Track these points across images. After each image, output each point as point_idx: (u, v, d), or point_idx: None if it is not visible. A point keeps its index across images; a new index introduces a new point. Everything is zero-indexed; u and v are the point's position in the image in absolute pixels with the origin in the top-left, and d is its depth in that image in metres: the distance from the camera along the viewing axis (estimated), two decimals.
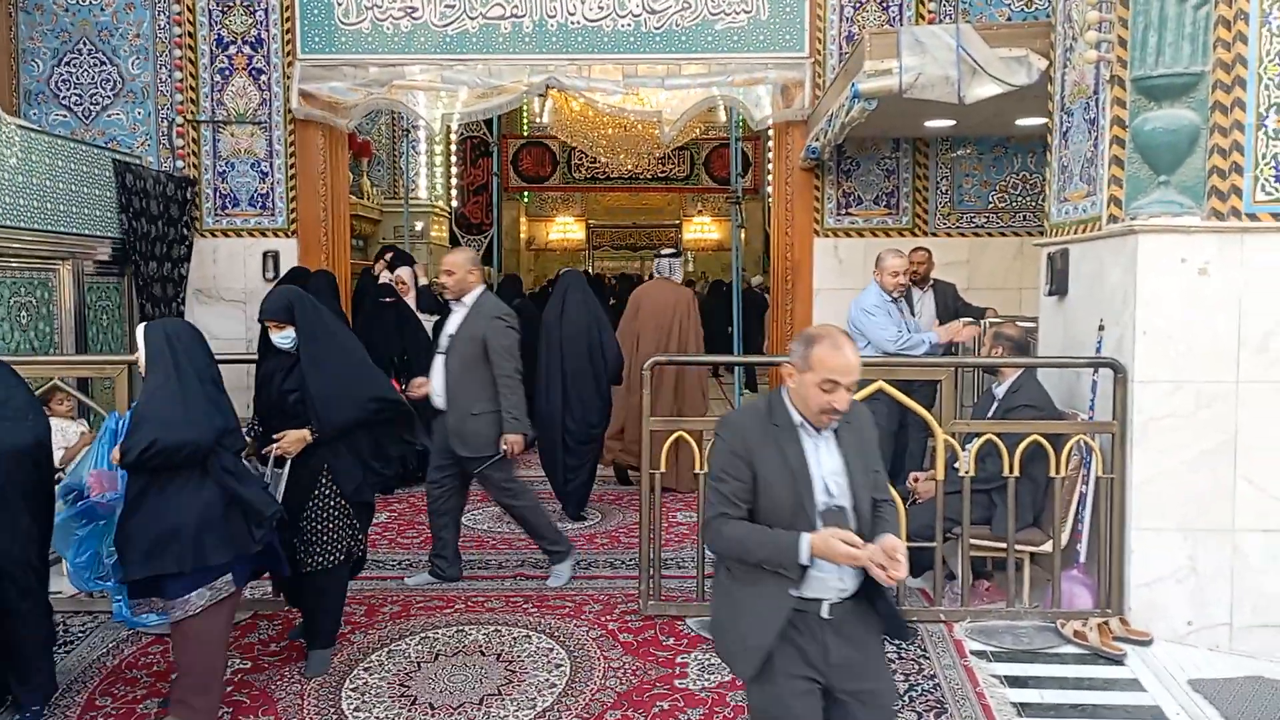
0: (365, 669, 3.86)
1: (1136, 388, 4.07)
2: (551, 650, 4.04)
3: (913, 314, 6.14)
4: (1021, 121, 6.76)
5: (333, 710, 3.52)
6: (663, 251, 7.71)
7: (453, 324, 4.89)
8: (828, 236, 7.70)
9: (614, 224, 21.22)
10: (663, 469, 4.46)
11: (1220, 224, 3.98)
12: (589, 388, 6.21)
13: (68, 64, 7.45)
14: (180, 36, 7.42)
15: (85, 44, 7.44)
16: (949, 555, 4.46)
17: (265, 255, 7.47)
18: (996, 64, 5.03)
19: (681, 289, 7.62)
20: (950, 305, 6.50)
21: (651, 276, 7.80)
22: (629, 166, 16.45)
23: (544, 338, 6.32)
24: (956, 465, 4.28)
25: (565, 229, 21.05)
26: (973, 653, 3.97)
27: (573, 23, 7.43)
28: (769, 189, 9.63)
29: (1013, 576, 4.32)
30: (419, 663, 3.91)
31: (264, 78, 7.48)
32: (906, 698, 3.58)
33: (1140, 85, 4.06)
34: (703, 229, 20.58)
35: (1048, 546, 4.33)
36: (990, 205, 7.74)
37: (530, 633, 4.22)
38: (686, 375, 7.08)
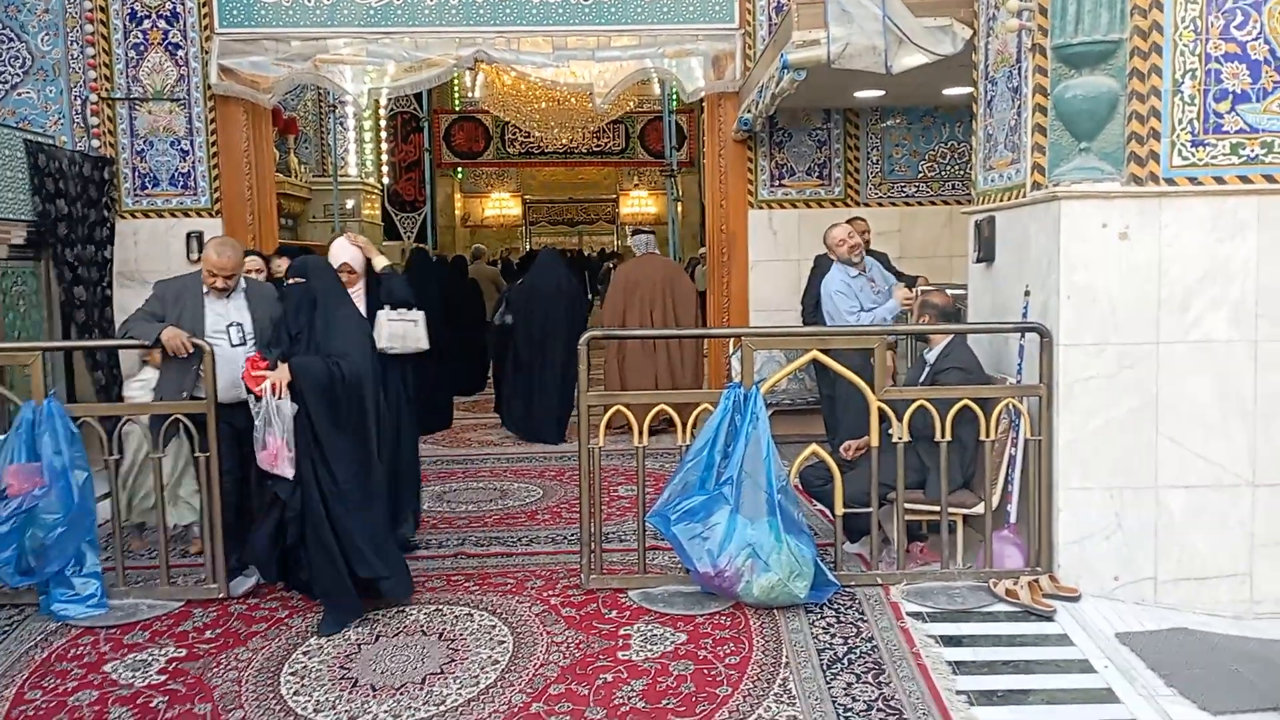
0: (304, 653, 3.81)
1: (1061, 351, 4.17)
2: (494, 627, 4.03)
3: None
4: (948, 91, 6.85)
5: (271, 695, 3.48)
6: (641, 229, 8.33)
7: (231, 311, 4.59)
8: (762, 208, 7.74)
9: (550, 199, 21.09)
10: (601, 443, 4.46)
11: (1139, 189, 4.08)
12: (559, 341, 7.81)
13: None
14: (91, 11, 7.15)
15: None
16: (884, 520, 4.53)
17: (189, 236, 7.27)
18: (922, 34, 5.07)
19: (671, 262, 8.27)
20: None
21: (618, 254, 8.74)
22: (564, 141, 16.36)
23: (524, 303, 8.03)
24: (890, 431, 4.34)
25: (501, 205, 20.87)
26: (909, 614, 4.05)
27: None
28: (703, 161, 9.63)
29: (946, 539, 4.41)
30: (359, 645, 3.88)
31: (181, 53, 7.26)
32: (845, 660, 3.64)
33: (1061, 53, 4.12)
34: (639, 203, 20.55)
35: (979, 508, 4.43)
36: (920, 175, 7.84)
37: (472, 610, 4.20)
38: (683, 348, 7.89)
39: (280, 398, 3.93)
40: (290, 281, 4.28)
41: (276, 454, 3.94)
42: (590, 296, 12.94)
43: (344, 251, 4.91)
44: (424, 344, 5.04)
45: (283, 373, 3.98)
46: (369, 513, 4.11)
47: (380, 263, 5.06)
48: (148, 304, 4.57)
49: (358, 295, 4.85)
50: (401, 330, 4.94)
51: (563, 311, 8.03)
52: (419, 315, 5.01)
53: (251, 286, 4.76)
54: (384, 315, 4.90)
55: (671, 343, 7.79)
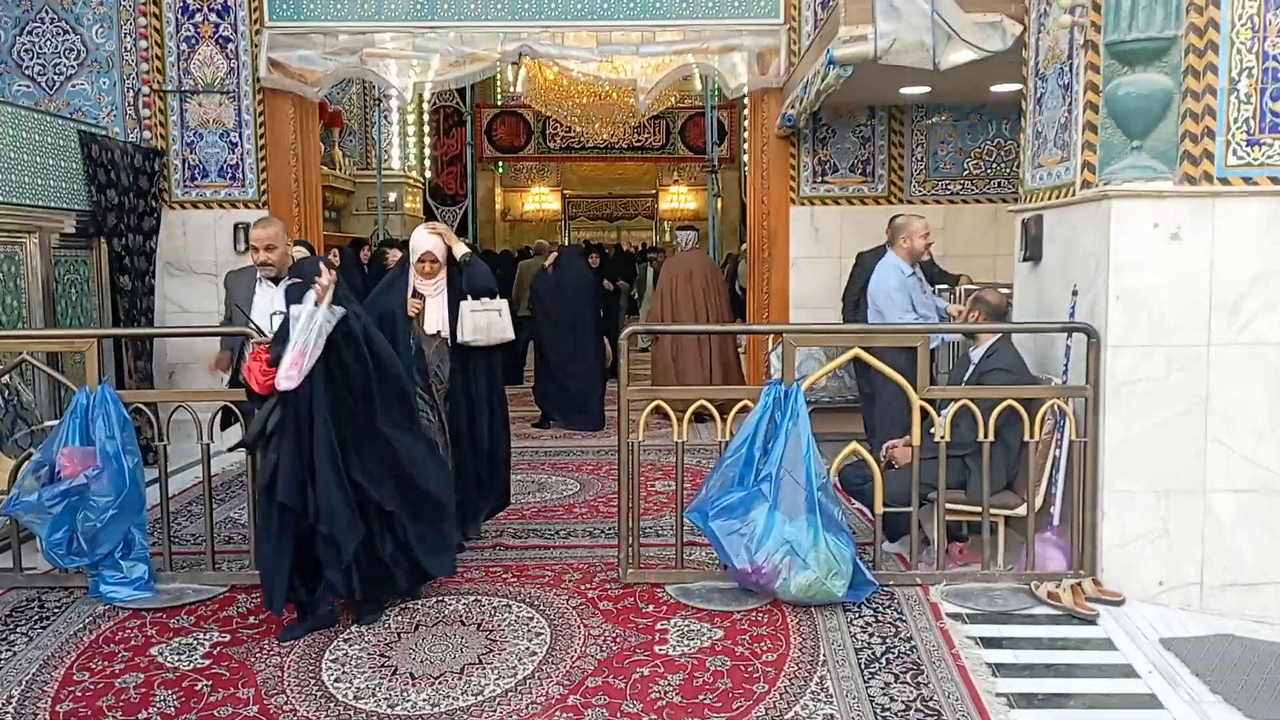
0: (345, 640, 3.86)
1: (1109, 352, 4.11)
2: (531, 619, 4.05)
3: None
4: (996, 88, 6.77)
5: (313, 681, 3.52)
6: (686, 225, 9.23)
7: (274, 301, 4.63)
8: (804, 205, 7.71)
9: (590, 194, 21.14)
10: (640, 438, 4.47)
11: (1192, 188, 4.01)
12: (588, 332, 8.43)
13: (30, 33, 7.30)
14: (145, 4, 7.29)
15: (47, 12, 7.29)
16: (924, 520, 4.50)
17: (236, 227, 7.39)
18: (971, 29, 5.02)
19: (706, 257, 9.27)
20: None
21: (674, 250, 9.69)
22: (604, 136, 16.40)
23: (549, 296, 8.52)
24: (932, 430, 4.30)
25: (541, 199, 20.94)
26: (948, 615, 4.02)
27: None
28: (745, 158, 9.60)
29: (987, 540, 4.36)
30: (399, 633, 3.92)
31: (231, 46, 7.37)
32: (883, 660, 3.62)
33: (1114, 50, 4.06)
34: (679, 198, 20.52)
35: (1022, 510, 4.38)
36: (965, 172, 7.77)
37: (510, 602, 4.23)
38: (722, 344, 8.34)
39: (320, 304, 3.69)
40: (290, 282, 4.15)
41: (290, 364, 3.65)
42: (630, 291, 13.02)
43: (424, 240, 4.71)
44: (509, 334, 4.83)
45: (328, 278, 3.74)
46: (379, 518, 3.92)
47: (460, 250, 4.80)
48: (225, 303, 4.65)
49: (440, 287, 4.73)
50: (485, 321, 4.73)
51: (586, 303, 8.54)
52: (502, 304, 4.80)
53: (301, 270, 4.58)
54: (466, 306, 4.70)
55: (708, 339, 8.28)
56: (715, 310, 8.46)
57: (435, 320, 4.73)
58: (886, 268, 5.70)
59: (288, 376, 3.65)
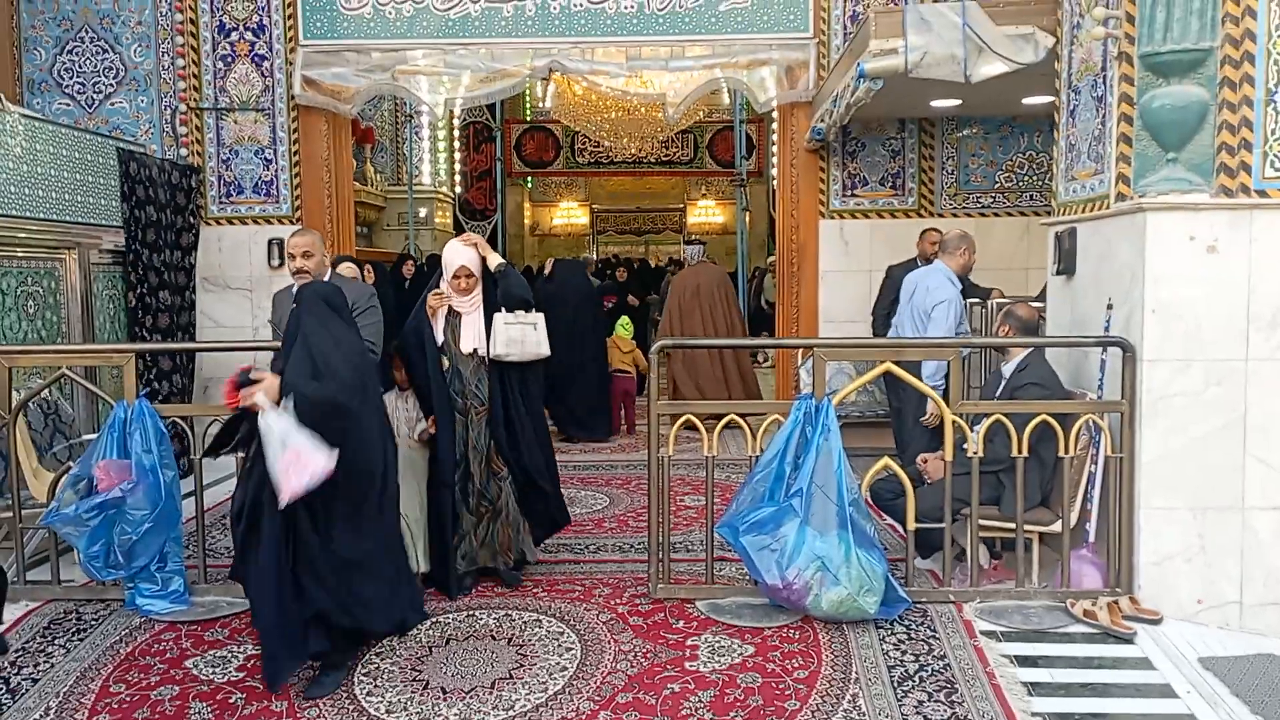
0: (377, 653, 3.87)
1: (1145, 366, 4.06)
2: (562, 634, 4.05)
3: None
4: (1028, 100, 6.73)
5: (345, 695, 3.54)
6: (691, 239, 9.42)
7: None
8: (833, 218, 7.69)
9: (618, 208, 21.18)
10: (670, 453, 4.46)
11: (1229, 201, 3.96)
12: (588, 345, 8.34)
13: (70, 52, 7.45)
14: (182, 23, 7.42)
15: (87, 32, 7.43)
16: (957, 536, 4.46)
17: (270, 243, 7.48)
18: (1003, 42, 5.00)
19: (716, 269, 9.29)
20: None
21: (683, 263, 10.18)
22: (632, 150, 16.42)
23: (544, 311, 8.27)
24: (965, 446, 4.27)
25: (569, 214, 21.01)
26: (982, 633, 3.97)
27: (575, 5, 7.40)
28: (773, 171, 9.60)
29: (1022, 556, 4.31)
30: (430, 647, 3.93)
31: (266, 64, 7.48)
32: (917, 678, 3.59)
33: (1148, 62, 4.02)
34: (707, 212, 20.53)
35: (1057, 526, 4.33)
36: (997, 185, 7.72)
37: (540, 616, 4.23)
38: (735, 356, 8.53)
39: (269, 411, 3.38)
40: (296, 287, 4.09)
41: (289, 467, 3.31)
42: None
43: (458, 255, 4.49)
44: (544, 349, 4.55)
45: (268, 385, 3.45)
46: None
47: (495, 261, 4.56)
48: (271, 322, 4.67)
49: (476, 303, 4.52)
50: (519, 335, 4.47)
51: (585, 316, 8.52)
52: (538, 317, 4.53)
53: (339, 280, 4.42)
54: (499, 319, 4.46)
55: (720, 352, 8.55)
56: (725, 323, 8.66)
57: (471, 337, 4.51)
58: (938, 275, 5.60)
59: (290, 492, 3.29)
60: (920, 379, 4.37)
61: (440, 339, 4.52)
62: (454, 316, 4.54)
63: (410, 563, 4.32)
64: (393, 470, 3.83)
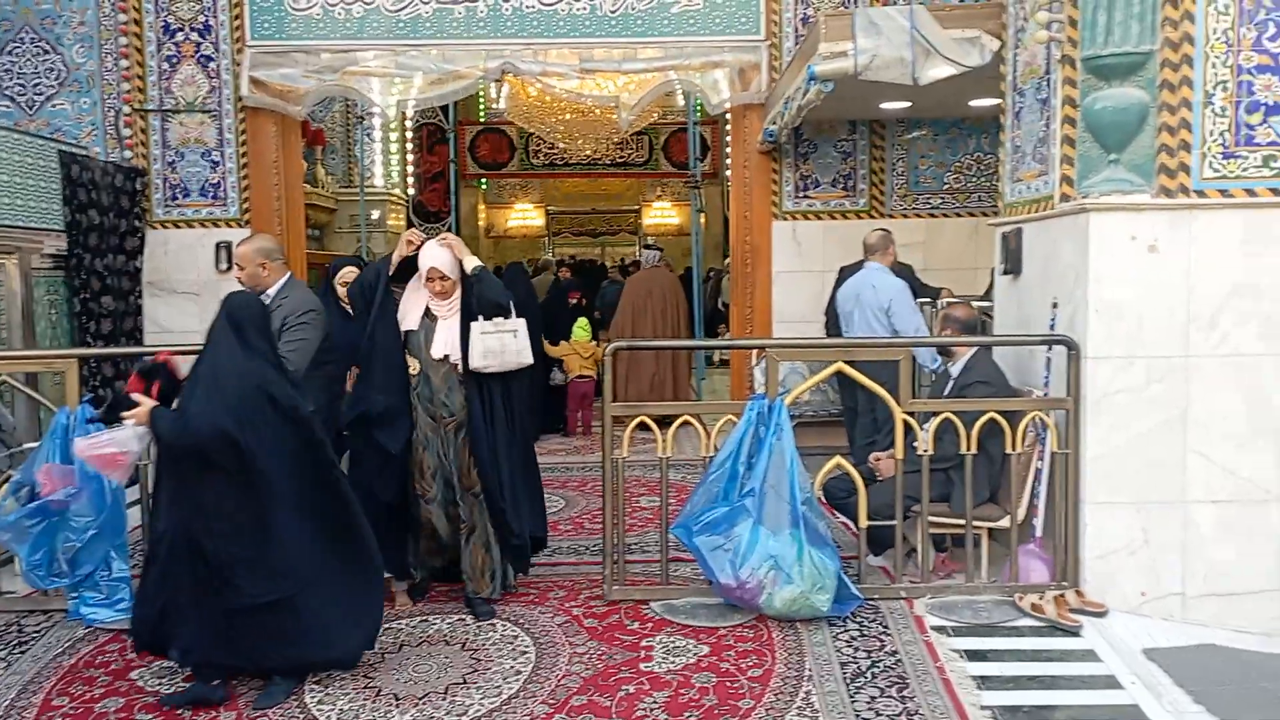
0: None
1: (1089, 364, 4.13)
2: (516, 638, 4.03)
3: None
4: (975, 102, 6.83)
5: (295, 703, 3.49)
6: (649, 244, 9.80)
7: None
8: (786, 219, 7.74)
9: (573, 210, 21.11)
10: (625, 454, 4.46)
11: (1169, 201, 4.05)
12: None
13: (10, 53, 7.28)
14: (126, 24, 7.28)
15: (28, 32, 7.27)
16: (909, 533, 4.50)
17: (218, 246, 7.36)
18: (950, 45, 5.07)
19: (668, 274, 9.46)
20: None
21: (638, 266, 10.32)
22: (587, 152, 16.38)
23: None
24: (915, 444, 4.32)
25: (524, 216, 20.91)
26: (933, 628, 4.02)
27: (527, 6, 7.38)
28: (728, 173, 9.65)
29: (971, 552, 4.37)
30: (383, 653, 3.89)
31: (213, 65, 7.36)
32: (869, 674, 3.62)
33: (1090, 65, 4.10)
34: (662, 214, 20.53)
35: (1005, 522, 4.39)
36: (946, 186, 7.82)
37: (495, 620, 4.21)
38: (674, 359, 8.72)
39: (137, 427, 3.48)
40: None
41: (102, 458, 3.57)
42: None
43: (432, 255, 4.23)
44: (526, 359, 4.28)
45: (142, 412, 3.46)
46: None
47: (470, 264, 4.28)
48: None
49: (454, 307, 4.29)
50: (498, 344, 4.19)
51: (529, 318, 8.41)
52: (518, 324, 4.25)
53: (289, 291, 4.32)
54: (475, 329, 4.20)
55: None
56: (672, 327, 8.90)
57: (444, 343, 4.24)
58: (879, 273, 5.75)
59: (93, 460, 3.59)
60: (902, 376, 4.41)
61: (412, 327, 4.27)
62: (430, 319, 4.28)
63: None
64: (317, 495, 3.57)
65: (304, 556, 3.50)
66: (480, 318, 4.22)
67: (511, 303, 4.30)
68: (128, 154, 7.31)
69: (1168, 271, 4.06)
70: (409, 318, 4.30)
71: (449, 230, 16.33)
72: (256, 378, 3.47)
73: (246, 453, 3.37)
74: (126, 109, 7.30)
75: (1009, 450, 4.28)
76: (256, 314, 3.65)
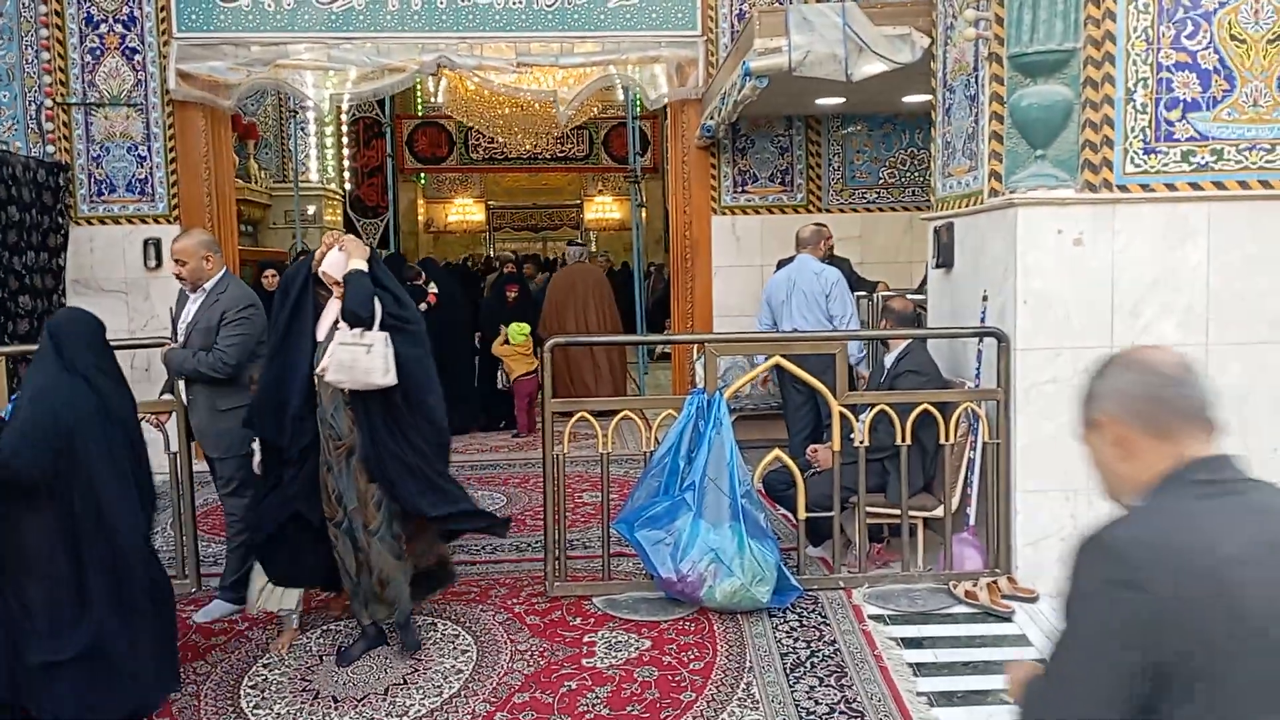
0: (265, 665, 3.78)
1: (1018, 355, 4.23)
2: (457, 636, 4.01)
3: None
4: (908, 99, 6.92)
5: (231, 709, 3.44)
6: (573, 241, 9.62)
7: (188, 312, 4.26)
8: (725, 214, 7.78)
9: (514, 205, 21.00)
10: (566, 450, 4.46)
11: (1093, 196, 4.15)
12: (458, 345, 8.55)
13: None
14: (46, 15, 7.05)
15: None
16: (846, 523, 4.57)
17: (146, 243, 7.18)
18: (881, 42, 5.13)
19: (596, 270, 9.61)
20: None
21: (564, 262, 10.03)
22: (528, 146, 16.28)
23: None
24: (852, 435, 4.38)
25: (465, 211, 20.75)
26: (871, 617, 4.09)
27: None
28: (668, 168, 9.67)
29: (907, 541, 4.45)
30: (321, 656, 3.85)
31: (138, 57, 7.17)
32: (808, 664, 3.67)
33: (1016, 62, 4.18)
34: (604, 209, 20.53)
35: (939, 511, 4.48)
36: (881, 181, 7.92)
37: (435, 619, 4.18)
38: (608, 354, 8.87)
39: None
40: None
41: None
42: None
43: (325, 259, 3.79)
44: (376, 379, 3.61)
45: None
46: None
47: (351, 264, 3.76)
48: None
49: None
50: (349, 358, 3.60)
51: (461, 314, 8.77)
52: (378, 338, 3.64)
53: (225, 285, 4.25)
54: (336, 337, 3.67)
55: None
56: (598, 322, 9.00)
57: (326, 356, 3.72)
58: (817, 264, 5.81)
59: None
60: (843, 364, 4.47)
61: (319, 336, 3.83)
62: (336, 329, 3.76)
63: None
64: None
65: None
66: (344, 326, 3.67)
67: (377, 315, 3.72)
68: (50, 149, 7.09)
69: (1093, 264, 4.16)
70: (321, 327, 3.83)
71: (387, 225, 16.17)
72: (70, 407, 3.17)
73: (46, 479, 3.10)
74: (48, 103, 7.08)
75: (942, 441, 4.37)
76: (82, 330, 3.35)
